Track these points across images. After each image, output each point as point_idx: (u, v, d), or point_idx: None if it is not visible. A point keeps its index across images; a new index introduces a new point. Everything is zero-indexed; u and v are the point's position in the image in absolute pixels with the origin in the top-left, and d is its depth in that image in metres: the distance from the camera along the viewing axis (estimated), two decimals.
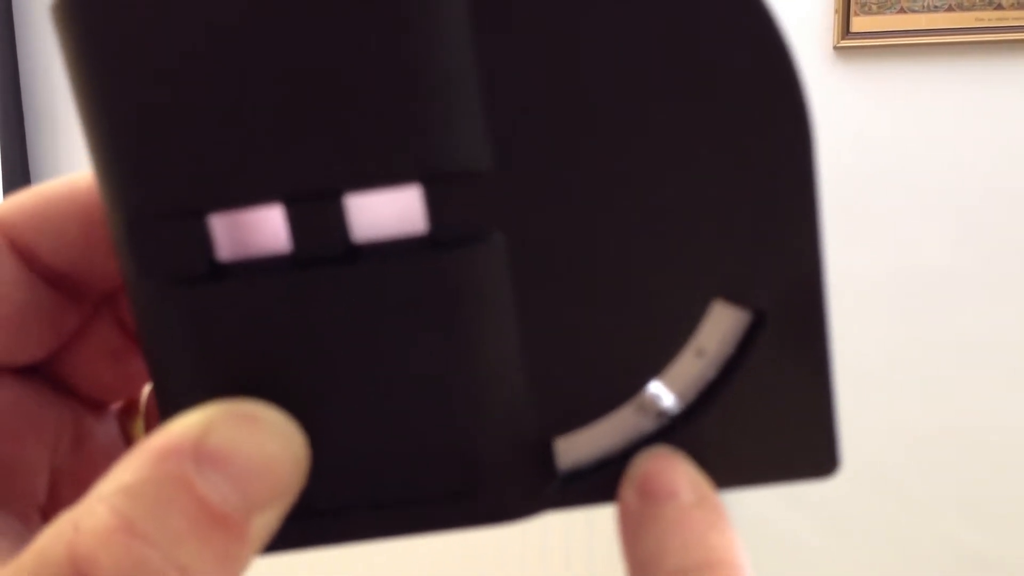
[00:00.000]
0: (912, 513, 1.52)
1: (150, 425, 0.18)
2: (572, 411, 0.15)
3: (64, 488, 0.16)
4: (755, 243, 0.14)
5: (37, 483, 0.16)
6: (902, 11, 1.41)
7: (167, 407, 0.14)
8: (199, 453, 0.12)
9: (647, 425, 0.15)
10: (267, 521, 0.13)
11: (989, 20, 1.40)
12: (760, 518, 1.50)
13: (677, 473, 0.14)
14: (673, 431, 0.15)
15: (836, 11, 1.42)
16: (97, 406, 0.17)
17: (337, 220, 0.13)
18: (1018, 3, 1.39)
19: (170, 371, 0.14)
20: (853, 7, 1.42)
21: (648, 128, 0.13)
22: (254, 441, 0.13)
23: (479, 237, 0.13)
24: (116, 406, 0.18)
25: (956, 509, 1.52)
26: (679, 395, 0.15)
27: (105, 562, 0.12)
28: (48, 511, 0.16)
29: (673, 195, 0.14)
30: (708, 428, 0.15)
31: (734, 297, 0.14)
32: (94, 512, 0.12)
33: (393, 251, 0.13)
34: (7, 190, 1.11)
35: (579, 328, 0.14)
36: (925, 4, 1.40)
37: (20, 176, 1.14)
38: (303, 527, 0.14)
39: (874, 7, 1.41)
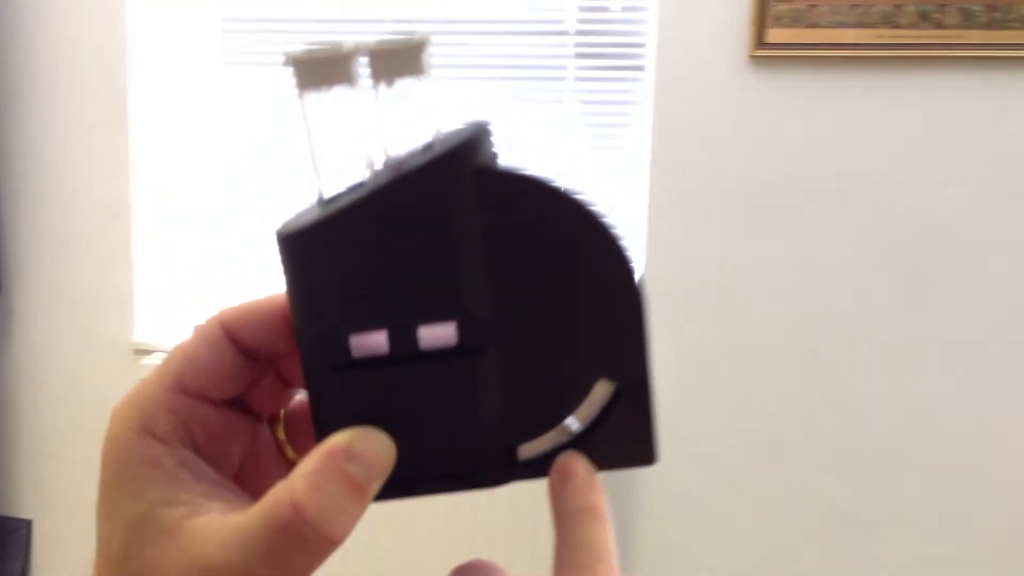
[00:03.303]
0: (793, 471, 1.64)
1: (288, 428, 0.31)
2: (528, 429, 0.29)
3: (248, 465, 0.30)
4: (616, 354, 0.28)
5: (235, 463, 0.29)
6: (812, 26, 1.53)
7: (322, 430, 0.27)
8: (348, 453, 0.26)
9: (565, 439, 0.29)
10: (377, 486, 0.27)
11: (889, 37, 1.54)
12: (664, 474, 1.62)
13: (578, 463, 0.28)
14: (577, 441, 0.29)
15: (752, 22, 1.52)
16: (263, 419, 0.31)
17: (413, 337, 0.27)
18: (913, 23, 1.53)
19: (326, 413, 0.27)
20: (768, 20, 1.53)
21: (566, 295, 0.27)
22: (372, 447, 0.26)
23: (483, 350, 0.27)
24: (267, 417, 0.31)
25: (830, 469, 1.64)
26: (581, 422, 0.29)
27: (309, 505, 0.25)
28: (239, 477, 0.29)
29: (579, 328, 0.28)
30: (595, 440, 0.29)
31: (608, 376, 0.28)
32: (298, 482, 0.25)
33: (440, 355, 0.27)
34: None
35: (533, 389, 0.28)
36: (833, 20, 1.53)
37: None
38: (390, 489, 0.28)
39: (787, 20, 1.53)
